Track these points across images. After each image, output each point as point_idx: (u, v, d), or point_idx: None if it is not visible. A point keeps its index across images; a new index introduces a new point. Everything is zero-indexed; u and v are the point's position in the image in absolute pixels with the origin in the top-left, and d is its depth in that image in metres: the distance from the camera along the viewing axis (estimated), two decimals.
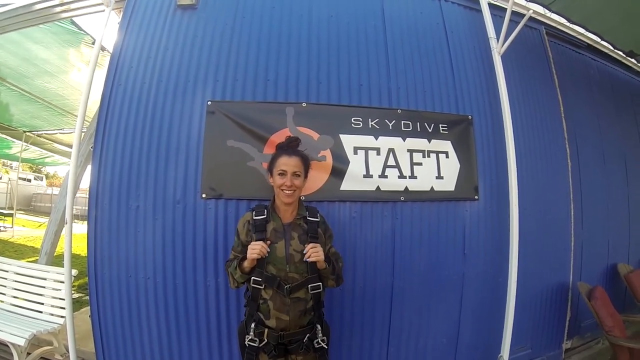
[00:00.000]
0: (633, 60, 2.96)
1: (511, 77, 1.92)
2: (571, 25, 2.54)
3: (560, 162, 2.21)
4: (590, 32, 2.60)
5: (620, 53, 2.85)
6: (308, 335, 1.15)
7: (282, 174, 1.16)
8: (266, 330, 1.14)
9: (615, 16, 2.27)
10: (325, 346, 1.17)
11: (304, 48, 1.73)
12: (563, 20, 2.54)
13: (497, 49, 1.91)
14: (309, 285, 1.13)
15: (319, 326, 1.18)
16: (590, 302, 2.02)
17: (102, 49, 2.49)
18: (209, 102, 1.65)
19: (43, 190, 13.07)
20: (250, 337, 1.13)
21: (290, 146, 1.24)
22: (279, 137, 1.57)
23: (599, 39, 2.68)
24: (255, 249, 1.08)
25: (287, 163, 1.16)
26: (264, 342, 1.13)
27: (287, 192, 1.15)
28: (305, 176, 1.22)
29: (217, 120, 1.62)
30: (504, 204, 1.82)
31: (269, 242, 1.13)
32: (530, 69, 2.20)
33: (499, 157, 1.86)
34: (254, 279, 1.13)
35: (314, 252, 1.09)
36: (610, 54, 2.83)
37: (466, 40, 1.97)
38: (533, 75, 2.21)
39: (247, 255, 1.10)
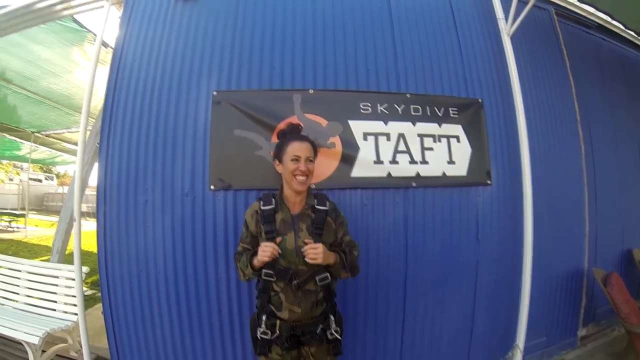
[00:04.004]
0: None
1: (521, 59, 1.87)
2: (581, 5, 2.48)
3: (573, 146, 2.16)
4: (600, 11, 2.53)
5: (632, 33, 2.77)
6: (321, 326, 1.14)
7: (296, 159, 1.13)
8: (278, 321, 1.12)
9: None
10: (338, 337, 1.15)
11: (309, 33, 1.69)
12: (573, 0, 2.48)
13: (506, 30, 1.86)
14: (317, 277, 1.10)
15: (332, 317, 1.16)
16: (606, 289, 1.98)
17: (105, 45, 2.48)
18: (215, 93, 1.62)
19: (54, 190, 13.27)
20: (262, 330, 1.12)
21: (295, 132, 1.21)
22: (286, 125, 1.55)
23: (609, 19, 2.61)
24: (267, 251, 1.05)
25: (301, 148, 1.14)
26: (276, 334, 1.12)
27: (300, 177, 1.12)
28: (314, 162, 1.20)
29: (224, 110, 1.60)
30: (517, 189, 1.79)
31: (279, 240, 1.10)
32: (541, 50, 2.14)
33: (510, 140, 1.82)
34: (265, 272, 1.11)
35: (313, 253, 1.05)
36: (622, 34, 2.75)
37: (474, 21, 1.92)
38: (543, 56, 2.15)
39: (258, 258, 1.08)
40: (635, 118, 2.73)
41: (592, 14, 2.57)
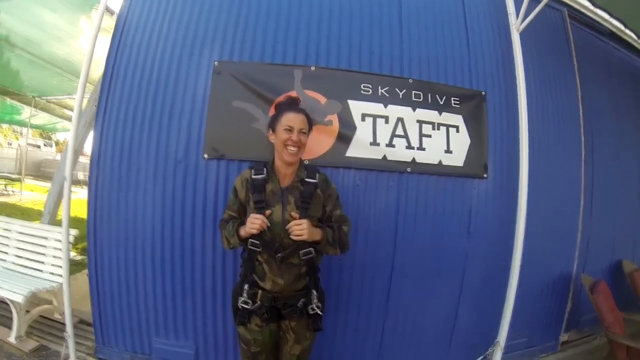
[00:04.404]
0: None
1: (528, 57, 1.84)
2: (595, 10, 2.44)
3: (574, 150, 2.14)
4: (614, 17, 2.49)
5: None
6: (303, 300, 1.13)
7: (289, 129, 1.11)
8: (260, 291, 1.12)
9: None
10: (319, 312, 1.15)
11: (315, 10, 1.67)
12: (587, 4, 2.43)
13: (516, 25, 1.83)
14: (300, 252, 1.09)
15: (314, 291, 1.15)
16: (593, 296, 1.98)
17: (110, 12, 2.45)
18: (216, 63, 1.61)
19: (52, 157, 13.19)
20: (243, 299, 1.12)
21: (293, 104, 1.20)
22: (282, 100, 1.54)
23: (622, 27, 2.57)
24: (256, 224, 1.04)
25: (295, 119, 1.13)
26: (256, 305, 1.12)
27: (292, 148, 1.11)
28: (308, 136, 1.19)
29: (224, 81, 1.59)
30: (513, 186, 1.77)
31: (268, 212, 1.09)
32: (549, 50, 2.11)
33: (511, 137, 1.80)
34: (251, 242, 1.10)
35: (297, 229, 1.04)
36: (634, 44, 2.71)
37: (484, 13, 1.89)
38: (551, 56, 2.12)
39: (247, 229, 1.07)
40: (639, 130, 2.71)
41: (605, 20, 2.53)
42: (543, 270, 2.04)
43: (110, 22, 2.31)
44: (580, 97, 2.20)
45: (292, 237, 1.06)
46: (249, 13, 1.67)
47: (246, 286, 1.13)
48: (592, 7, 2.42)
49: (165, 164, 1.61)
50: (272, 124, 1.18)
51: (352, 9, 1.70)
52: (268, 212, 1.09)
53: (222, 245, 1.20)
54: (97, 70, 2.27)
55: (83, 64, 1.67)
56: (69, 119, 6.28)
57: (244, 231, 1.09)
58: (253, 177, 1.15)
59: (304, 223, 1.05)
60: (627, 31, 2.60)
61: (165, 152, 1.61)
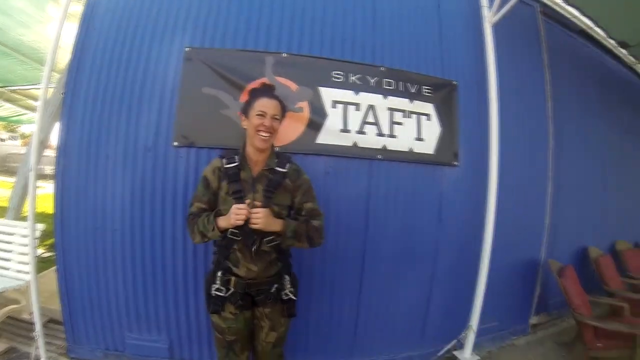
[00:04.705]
0: (624, 51, 2.97)
1: (500, 49, 1.88)
2: (567, 7, 2.52)
3: (542, 141, 2.23)
4: (585, 16, 2.59)
5: (612, 42, 2.86)
6: (276, 285, 1.14)
7: (262, 115, 1.09)
8: (233, 278, 1.11)
9: (611, 3, 2.26)
10: (293, 297, 1.16)
11: None
12: (559, 0, 2.52)
13: (489, 18, 1.87)
14: (264, 239, 1.09)
15: (286, 277, 1.16)
16: (561, 280, 2.07)
17: None
18: (187, 49, 1.57)
19: (18, 151, 12.53)
20: (216, 287, 1.11)
21: (267, 90, 1.17)
22: (256, 86, 1.52)
23: (592, 25, 2.67)
24: (241, 214, 1.02)
25: (268, 105, 1.11)
26: (230, 292, 1.11)
27: (263, 134, 1.08)
28: (281, 122, 1.17)
29: (194, 67, 1.55)
30: (483, 174, 1.82)
31: (248, 201, 1.07)
32: (521, 44, 2.18)
33: (481, 126, 1.85)
34: (231, 231, 1.08)
35: (254, 217, 1.02)
36: (603, 41, 2.82)
37: (458, 6, 1.92)
38: (522, 50, 2.19)
39: (231, 221, 1.03)
40: (606, 124, 2.84)
41: (576, 17, 2.61)
42: (512, 256, 2.12)
43: (78, 9, 2.21)
44: (549, 90, 2.28)
45: (249, 225, 1.04)
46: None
47: (219, 273, 1.12)
48: (563, 4, 2.51)
49: (135, 152, 1.57)
50: (245, 110, 1.15)
51: None
52: (247, 201, 1.08)
53: (192, 240, 1.16)
54: (63, 58, 2.17)
55: (49, 50, 1.60)
56: (34, 109, 5.95)
57: (226, 222, 1.05)
58: (226, 166, 1.12)
59: (261, 212, 1.04)
60: (597, 29, 2.70)
61: (134, 140, 1.57)
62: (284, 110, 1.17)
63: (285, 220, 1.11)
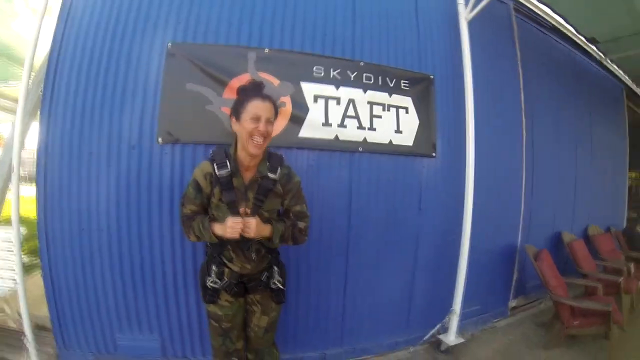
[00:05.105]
0: (594, 47, 3.15)
1: (475, 44, 1.97)
2: (538, 4, 2.65)
3: (515, 132, 2.34)
4: (556, 13, 2.73)
5: (582, 38, 3.02)
6: (266, 274, 1.19)
7: (256, 119, 1.04)
8: (226, 270, 1.15)
9: (581, 1, 2.40)
10: (281, 287, 1.21)
11: None
12: None
13: (465, 14, 1.96)
14: (254, 240, 1.12)
15: (275, 267, 1.21)
16: (537, 263, 2.20)
17: None
18: (170, 44, 1.57)
19: None
20: (212, 279, 1.14)
21: (257, 89, 1.11)
22: (239, 81, 1.52)
23: (563, 22, 2.82)
24: (237, 228, 1.03)
25: (262, 107, 1.05)
26: (225, 282, 1.15)
27: (258, 139, 1.04)
28: (273, 124, 1.14)
29: (177, 63, 1.55)
30: (460, 164, 1.91)
31: (242, 210, 1.08)
32: (495, 40, 2.28)
33: (457, 118, 1.94)
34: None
35: (248, 229, 1.05)
36: (573, 37, 2.98)
37: (435, 2, 1.99)
38: (497, 46, 2.29)
39: (227, 235, 1.05)
40: (576, 117, 3.01)
41: (548, 14, 2.75)
42: (491, 242, 2.23)
43: (51, 2, 2.14)
44: (521, 83, 2.40)
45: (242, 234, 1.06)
46: None
47: (214, 267, 1.14)
48: (535, 2, 2.64)
49: (119, 150, 1.55)
50: (236, 112, 1.08)
51: None
52: (242, 210, 1.09)
53: (187, 237, 1.17)
54: (37, 54, 2.11)
55: (28, 47, 1.56)
56: (4, 108, 5.66)
57: (222, 232, 1.06)
58: (218, 173, 1.08)
59: (252, 222, 1.05)
60: (568, 26, 2.85)
61: (118, 138, 1.55)
62: (277, 111, 1.13)
63: (273, 225, 1.13)
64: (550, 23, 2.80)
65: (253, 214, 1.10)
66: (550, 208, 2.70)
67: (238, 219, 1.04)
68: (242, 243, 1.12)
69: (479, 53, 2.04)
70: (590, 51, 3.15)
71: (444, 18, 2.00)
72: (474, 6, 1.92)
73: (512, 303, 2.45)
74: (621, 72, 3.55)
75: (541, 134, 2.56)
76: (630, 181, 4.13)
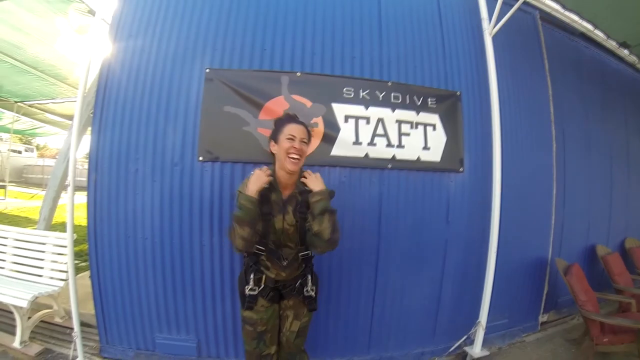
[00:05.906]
0: (626, 51, 3.02)
1: (501, 58, 1.97)
2: (566, 12, 2.59)
3: (545, 144, 2.29)
4: (584, 20, 2.65)
5: (614, 43, 2.91)
6: (300, 281, 1.27)
7: (291, 139, 1.19)
8: (264, 276, 1.25)
9: (609, 6, 2.32)
10: (313, 295, 1.29)
11: (300, 19, 1.77)
12: (558, 7, 2.58)
13: (489, 30, 1.96)
14: (300, 254, 1.25)
15: (309, 276, 1.29)
16: (566, 277, 2.13)
17: (92, 13, 2.47)
18: (207, 70, 1.70)
19: (34, 162, 12.86)
20: (250, 287, 1.23)
21: (292, 118, 1.27)
22: (274, 103, 1.64)
23: (592, 28, 2.73)
24: (262, 178, 1.17)
25: (296, 129, 1.21)
26: (262, 288, 1.24)
27: (294, 157, 1.18)
28: (308, 146, 1.26)
29: (215, 87, 1.67)
30: (488, 178, 1.91)
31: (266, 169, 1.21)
32: (521, 52, 2.25)
33: (485, 133, 1.94)
34: (257, 247, 1.21)
35: (310, 177, 1.23)
36: (604, 43, 2.87)
37: (459, 18, 2.02)
38: (523, 58, 2.26)
39: (251, 181, 1.16)
40: (609, 124, 2.87)
41: (575, 21, 2.67)
42: (520, 255, 2.18)
43: (88, 22, 2.29)
44: (550, 94, 2.35)
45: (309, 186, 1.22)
46: (238, 23, 1.75)
47: (252, 275, 1.24)
48: (562, 10, 2.58)
49: (162, 167, 1.69)
50: (275, 136, 1.24)
51: (335, 17, 1.81)
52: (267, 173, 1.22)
53: (234, 247, 1.18)
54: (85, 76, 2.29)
55: (81, 73, 1.70)
56: (51, 123, 6.16)
57: (251, 185, 1.16)
58: None
59: (316, 174, 1.24)
60: (597, 32, 2.76)
61: (162, 156, 1.69)
62: (309, 134, 1.27)
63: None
64: (579, 30, 2.72)
65: (300, 225, 1.21)
66: (584, 221, 2.60)
67: (264, 168, 1.21)
68: (271, 252, 1.21)
69: (505, 65, 2.04)
70: (623, 56, 3.02)
71: (469, 34, 2.01)
72: (498, 20, 1.92)
73: (543, 317, 2.37)
74: None
75: (572, 143, 2.48)
76: None
